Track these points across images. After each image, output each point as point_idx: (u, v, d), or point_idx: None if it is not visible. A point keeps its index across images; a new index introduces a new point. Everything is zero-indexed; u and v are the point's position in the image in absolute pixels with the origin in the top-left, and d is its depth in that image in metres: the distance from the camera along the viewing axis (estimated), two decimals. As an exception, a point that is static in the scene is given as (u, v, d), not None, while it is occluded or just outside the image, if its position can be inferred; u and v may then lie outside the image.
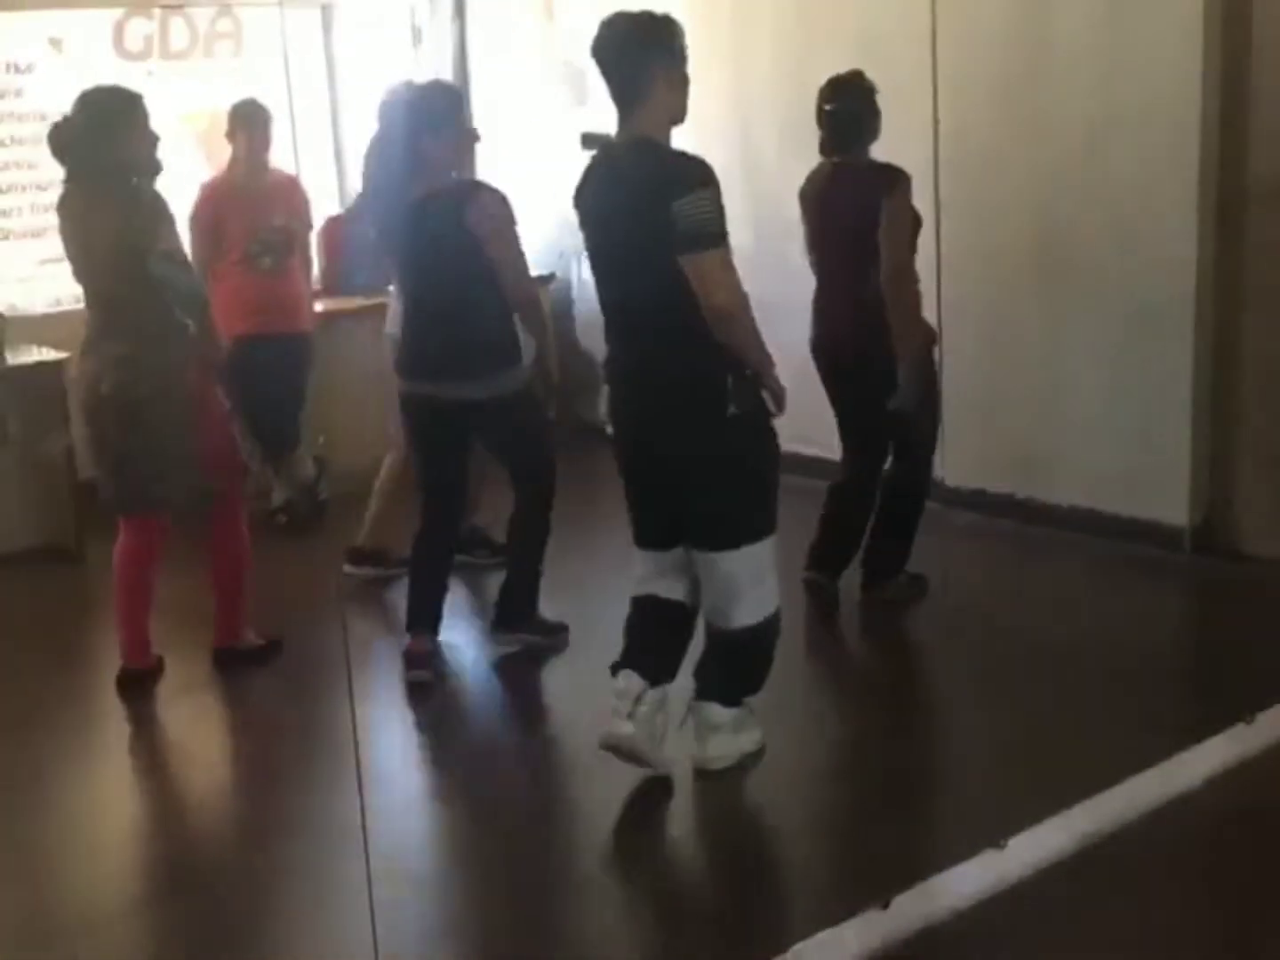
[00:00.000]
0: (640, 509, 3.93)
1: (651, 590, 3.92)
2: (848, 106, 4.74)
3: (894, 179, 4.64)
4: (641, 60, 3.59)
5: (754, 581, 3.77)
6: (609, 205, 3.71)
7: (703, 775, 3.89)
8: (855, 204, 4.71)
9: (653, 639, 3.91)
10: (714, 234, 3.54)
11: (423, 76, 6.49)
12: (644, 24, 3.64)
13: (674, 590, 3.90)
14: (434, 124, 4.38)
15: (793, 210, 4.97)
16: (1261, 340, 5.11)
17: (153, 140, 4.45)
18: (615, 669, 3.87)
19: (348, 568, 5.47)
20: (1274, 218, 5.01)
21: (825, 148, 4.81)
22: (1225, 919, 3.23)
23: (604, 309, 3.88)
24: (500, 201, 4.43)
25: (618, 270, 3.76)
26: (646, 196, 3.56)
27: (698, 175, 3.53)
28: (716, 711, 3.88)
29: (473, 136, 4.71)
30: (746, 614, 3.79)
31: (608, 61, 3.62)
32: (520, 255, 4.46)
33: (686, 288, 3.56)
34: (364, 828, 3.00)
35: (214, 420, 4.54)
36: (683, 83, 3.65)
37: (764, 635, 3.85)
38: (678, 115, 3.66)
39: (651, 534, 3.91)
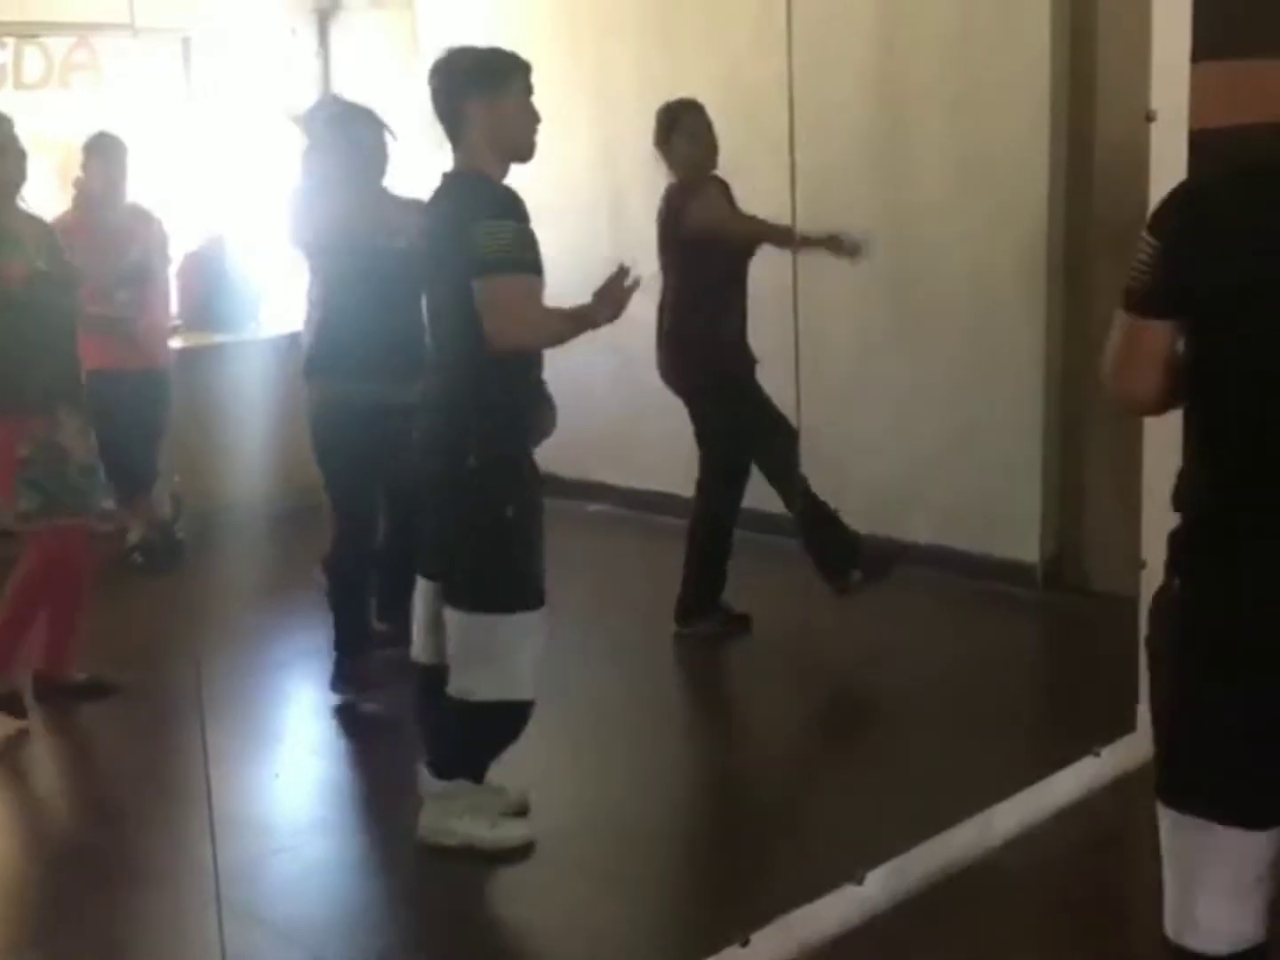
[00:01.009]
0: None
1: (415, 655, 3.70)
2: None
3: (697, 190, 4.84)
4: (455, 95, 3.48)
5: (483, 657, 3.45)
6: (424, 237, 3.68)
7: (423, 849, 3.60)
8: (668, 220, 4.90)
9: (424, 716, 3.73)
10: (512, 260, 3.35)
11: (288, 110, 6.43)
12: (466, 58, 3.51)
13: (426, 650, 3.65)
14: (341, 144, 4.51)
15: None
16: (1108, 382, 5.26)
17: (17, 158, 4.46)
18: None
19: None
20: (1118, 263, 5.15)
21: None
22: (1078, 946, 3.30)
23: None
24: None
25: (427, 300, 3.72)
26: (449, 222, 3.50)
27: (503, 204, 3.40)
28: (425, 776, 3.59)
29: (382, 159, 4.64)
30: (466, 686, 3.47)
31: (432, 97, 3.55)
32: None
33: (463, 319, 3.41)
34: (216, 874, 2.94)
35: None
36: (516, 118, 3.47)
37: (481, 719, 3.49)
38: (512, 152, 3.49)
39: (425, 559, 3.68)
